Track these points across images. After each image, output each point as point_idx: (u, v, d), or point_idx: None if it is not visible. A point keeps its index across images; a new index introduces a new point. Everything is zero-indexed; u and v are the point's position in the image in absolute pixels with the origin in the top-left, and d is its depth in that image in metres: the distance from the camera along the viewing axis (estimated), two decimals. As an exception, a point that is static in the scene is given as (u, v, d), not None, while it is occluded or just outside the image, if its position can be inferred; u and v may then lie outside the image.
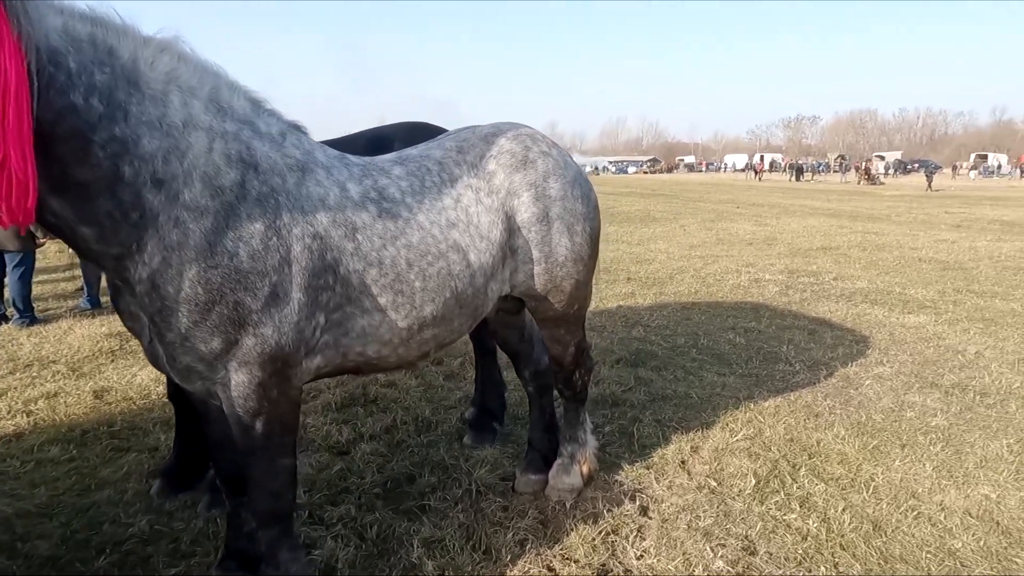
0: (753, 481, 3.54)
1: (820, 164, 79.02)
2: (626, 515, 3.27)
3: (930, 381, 5.24)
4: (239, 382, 2.18)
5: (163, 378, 4.40)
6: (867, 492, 3.47)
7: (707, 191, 37.87)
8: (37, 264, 7.80)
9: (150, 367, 4.50)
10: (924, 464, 3.78)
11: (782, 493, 3.45)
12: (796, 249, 13.16)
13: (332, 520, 3.20)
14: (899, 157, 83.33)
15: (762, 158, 75.45)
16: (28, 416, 4.44)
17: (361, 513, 3.27)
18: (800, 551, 2.98)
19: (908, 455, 3.91)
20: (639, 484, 3.58)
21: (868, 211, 23.27)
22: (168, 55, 2.09)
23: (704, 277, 9.95)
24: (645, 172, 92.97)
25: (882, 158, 78.85)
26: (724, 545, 3.01)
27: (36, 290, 7.79)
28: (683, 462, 3.82)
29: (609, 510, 3.31)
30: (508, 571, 2.83)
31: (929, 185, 41.33)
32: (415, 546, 2.97)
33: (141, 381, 5.08)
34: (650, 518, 3.27)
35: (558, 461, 3.50)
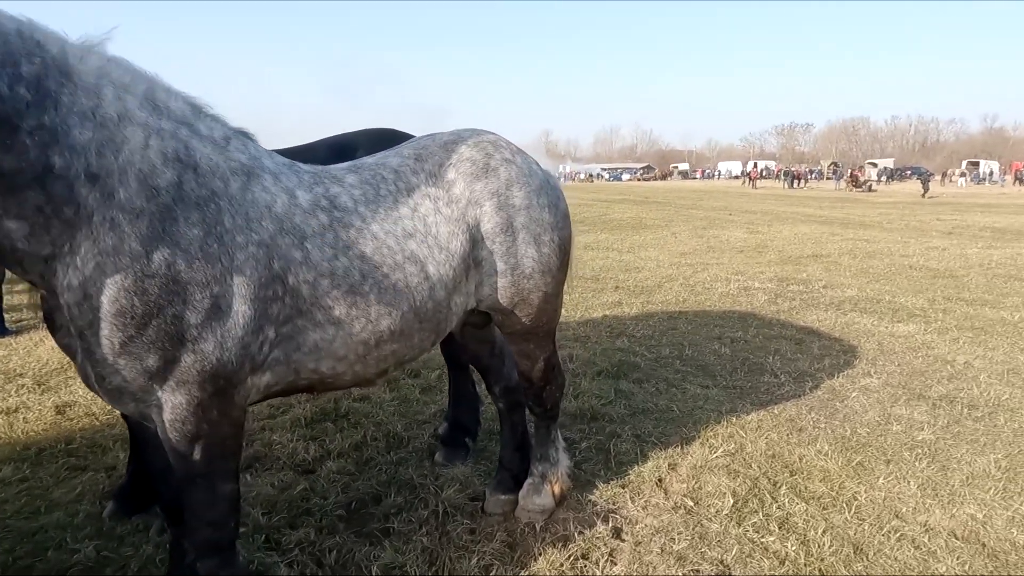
0: (731, 501, 3.40)
1: (813, 171, 79.27)
2: (598, 538, 3.13)
3: (918, 393, 5.13)
4: (176, 404, 2.04)
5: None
6: (849, 512, 3.34)
7: (700, 198, 37.88)
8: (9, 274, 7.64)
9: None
10: (909, 482, 3.66)
11: (760, 513, 3.31)
12: (787, 257, 13.08)
13: (289, 545, 3.05)
14: (891, 164, 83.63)
15: (755, 165, 75.59)
16: (-16, 433, 4.28)
17: (321, 537, 3.12)
18: (778, 576, 2.85)
19: (893, 472, 3.78)
20: (613, 504, 3.44)
21: (860, 218, 23.25)
22: (96, 54, 1.98)
23: (693, 285, 9.84)
24: (639, 179, 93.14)
25: (875, 165, 79.20)
26: (698, 570, 2.88)
27: (8, 300, 7.62)
28: (660, 480, 3.68)
29: (580, 532, 3.17)
30: (470, 600, 2.69)
31: (925, 192, 41.37)
32: (373, 572, 2.83)
33: (107, 396, 4.92)
34: (623, 540, 3.13)
35: (528, 481, 3.36)
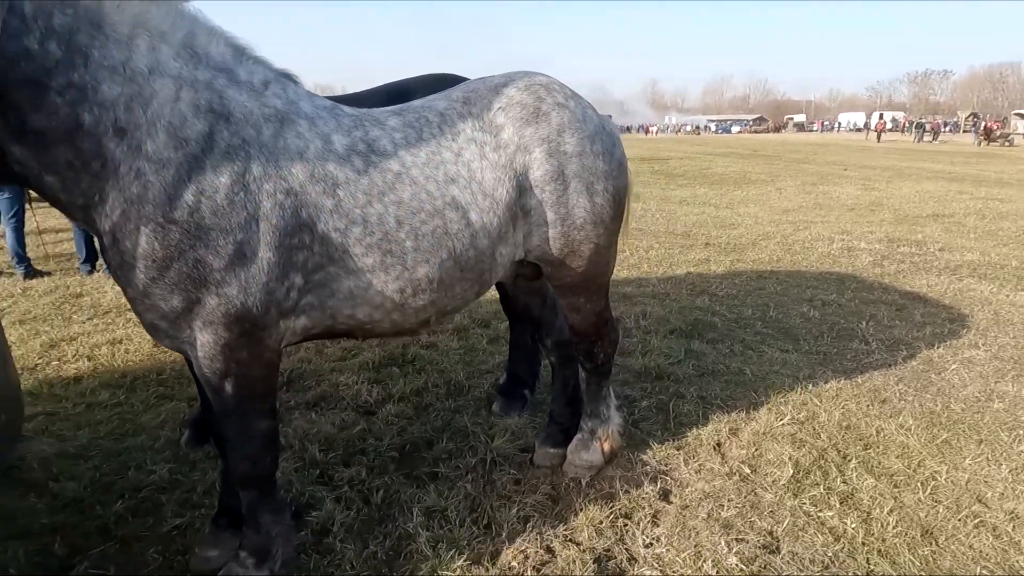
0: (791, 471, 3.22)
1: (948, 123, 72.21)
2: (643, 498, 3.06)
3: (1030, 369, 4.62)
4: (204, 342, 2.13)
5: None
6: (924, 492, 3.08)
7: (814, 152, 35.50)
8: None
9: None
10: (1000, 465, 3.32)
11: (823, 487, 3.11)
12: (902, 216, 12.07)
13: (341, 481, 3.18)
14: (1044, 115, 74.67)
15: (880, 116, 69.68)
16: (90, 360, 4.70)
17: (371, 476, 3.23)
18: (829, 553, 2.67)
19: (984, 453, 3.44)
20: (665, 466, 3.34)
21: (996, 175, 21.05)
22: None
23: (791, 244, 9.28)
24: (750, 132, 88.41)
25: (1022, 116, 71.00)
26: (743, 540, 2.75)
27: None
28: (718, 444, 3.53)
29: (626, 492, 3.10)
30: (504, 548, 2.70)
31: None
32: (415, 515, 2.89)
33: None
34: (670, 503, 3.04)
35: (577, 436, 3.31)
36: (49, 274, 7.36)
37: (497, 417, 3.86)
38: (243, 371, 2.20)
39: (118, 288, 6.54)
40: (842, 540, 2.75)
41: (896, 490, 3.12)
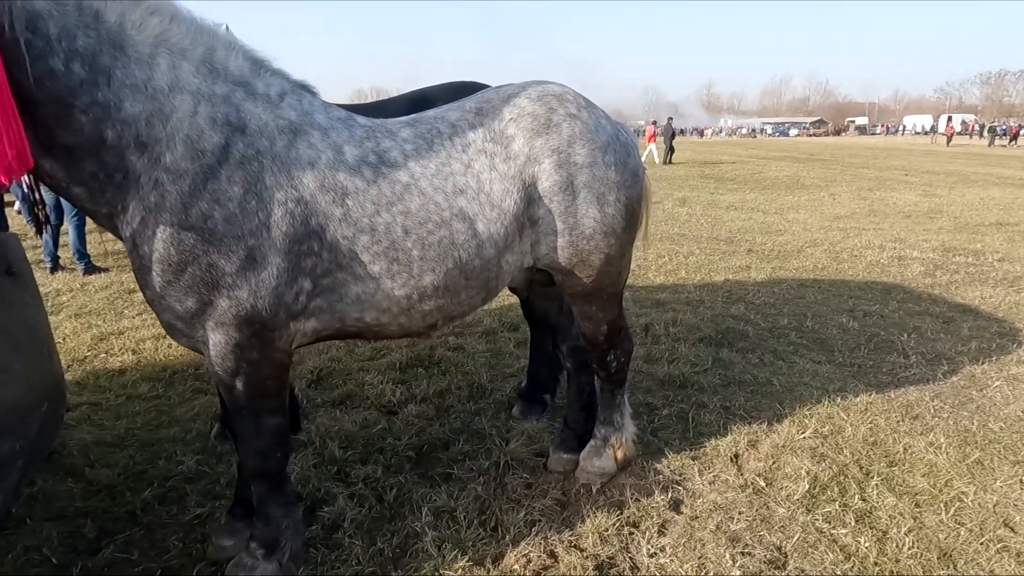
0: (806, 486, 3.15)
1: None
2: (653, 508, 3.04)
3: (1082, 389, 4.39)
4: (216, 342, 2.23)
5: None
6: (947, 514, 2.97)
7: (874, 156, 34.33)
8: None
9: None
10: (1034, 488, 3.18)
11: (839, 503, 3.04)
12: (962, 224, 11.58)
13: (356, 479, 3.26)
14: None
15: (949, 119, 66.79)
16: (135, 354, 4.95)
17: (387, 475, 3.31)
18: (838, 572, 2.61)
19: (1017, 475, 3.30)
20: (679, 476, 3.32)
21: (1071, 182, 19.93)
22: (159, 17, 2.10)
23: (838, 252, 9.02)
24: (808, 135, 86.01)
25: (1106, 119, 66.87)
26: (750, 554, 2.71)
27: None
28: (736, 456, 3.48)
29: (636, 500, 3.10)
30: (507, 551, 2.74)
31: None
32: (424, 514, 2.96)
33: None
34: (679, 514, 3.02)
35: (591, 443, 3.32)
36: (107, 270, 7.75)
37: (516, 421, 3.90)
38: (253, 370, 2.30)
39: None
40: (853, 559, 2.68)
41: (918, 510, 3.02)
